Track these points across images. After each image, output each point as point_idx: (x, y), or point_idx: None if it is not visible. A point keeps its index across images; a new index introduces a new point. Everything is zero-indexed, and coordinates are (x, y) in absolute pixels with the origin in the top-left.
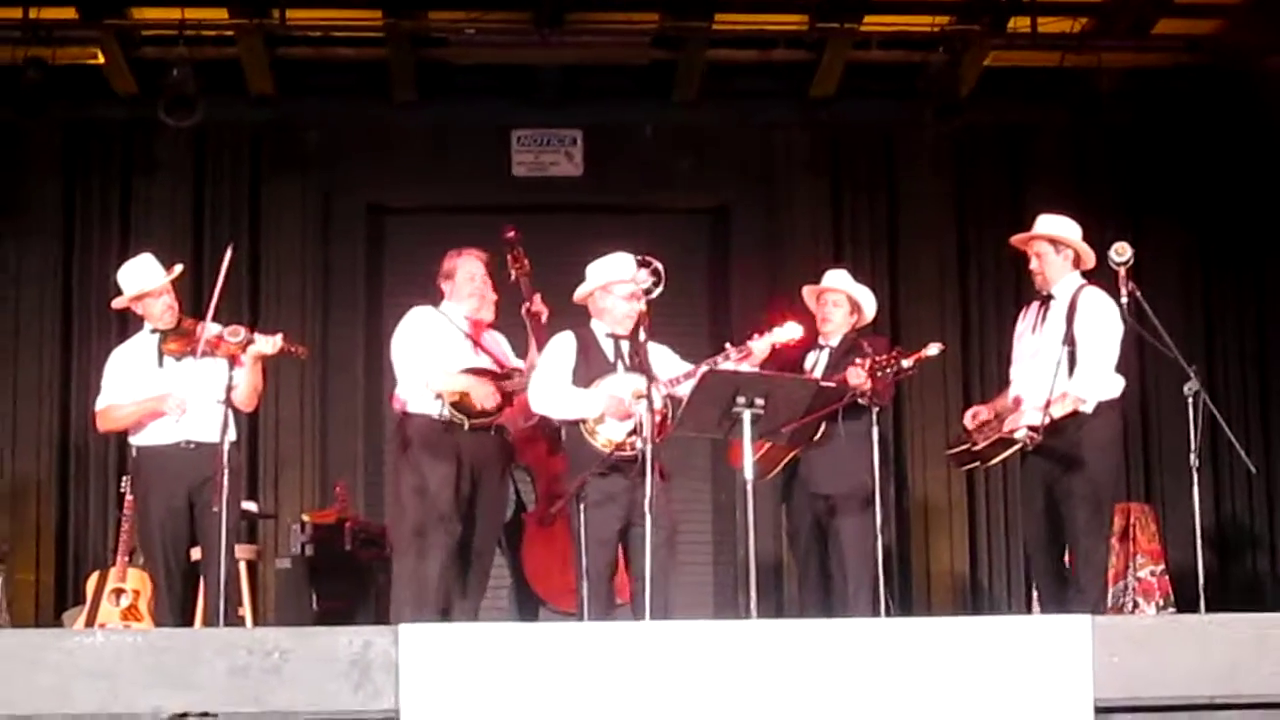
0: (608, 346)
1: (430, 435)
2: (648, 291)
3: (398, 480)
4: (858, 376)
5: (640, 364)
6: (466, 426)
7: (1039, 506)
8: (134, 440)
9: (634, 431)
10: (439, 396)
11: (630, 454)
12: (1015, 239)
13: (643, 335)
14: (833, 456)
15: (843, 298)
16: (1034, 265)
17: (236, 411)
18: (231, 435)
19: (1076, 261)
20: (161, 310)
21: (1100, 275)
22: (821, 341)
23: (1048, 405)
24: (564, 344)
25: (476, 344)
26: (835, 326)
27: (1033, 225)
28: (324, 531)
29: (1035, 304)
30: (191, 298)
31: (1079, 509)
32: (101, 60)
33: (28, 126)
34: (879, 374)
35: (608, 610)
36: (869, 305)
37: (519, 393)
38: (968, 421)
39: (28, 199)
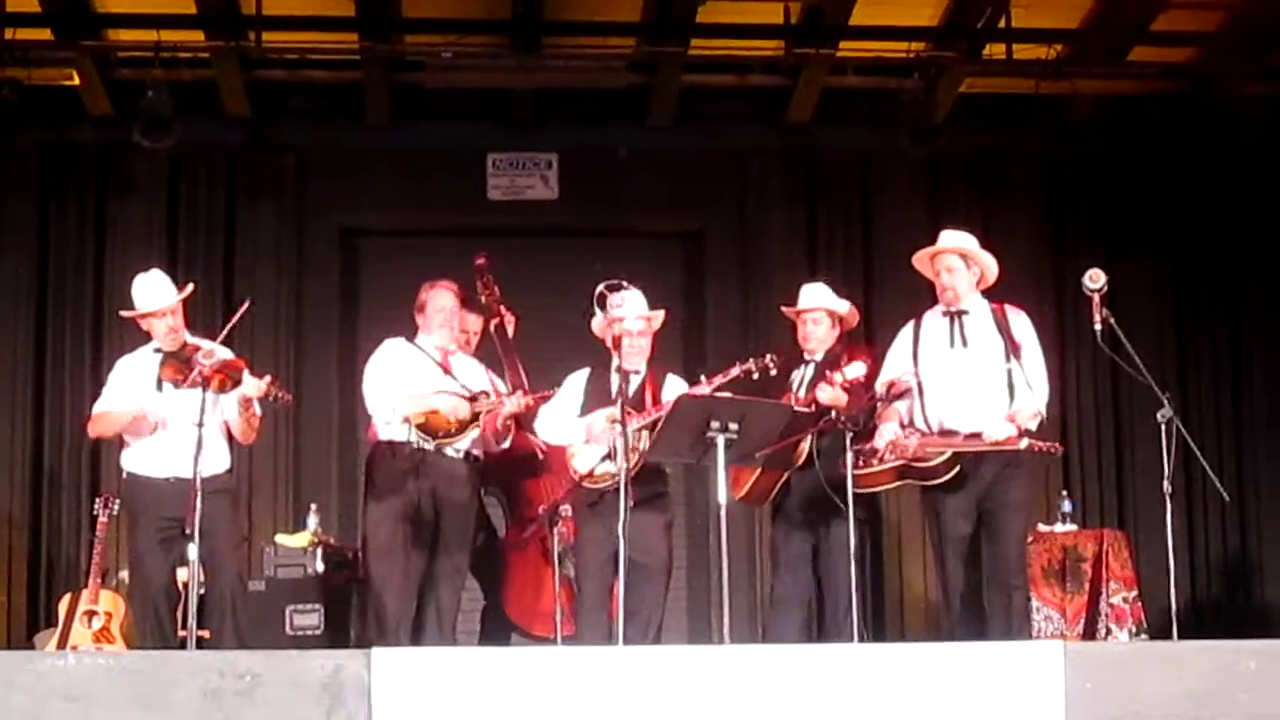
0: (614, 380)
1: (395, 463)
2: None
3: (365, 507)
4: (825, 393)
5: (635, 395)
6: (433, 447)
7: (963, 531)
8: (126, 465)
9: (607, 457)
10: (406, 421)
11: (602, 483)
12: (918, 255)
13: (643, 369)
14: (816, 479)
15: (822, 314)
16: (945, 280)
17: (233, 442)
18: (225, 463)
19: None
20: (164, 331)
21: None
22: (807, 357)
23: (1012, 419)
24: (575, 378)
25: (447, 371)
26: (819, 342)
27: (938, 242)
28: (295, 555)
29: (935, 319)
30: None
31: (1016, 524)
32: (77, 81)
33: (2, 147)
34: (850, 390)
35: (605, 640)
36: (848, 314)
37: (490, 413)
38: (885, 448)
39: (2, 220)
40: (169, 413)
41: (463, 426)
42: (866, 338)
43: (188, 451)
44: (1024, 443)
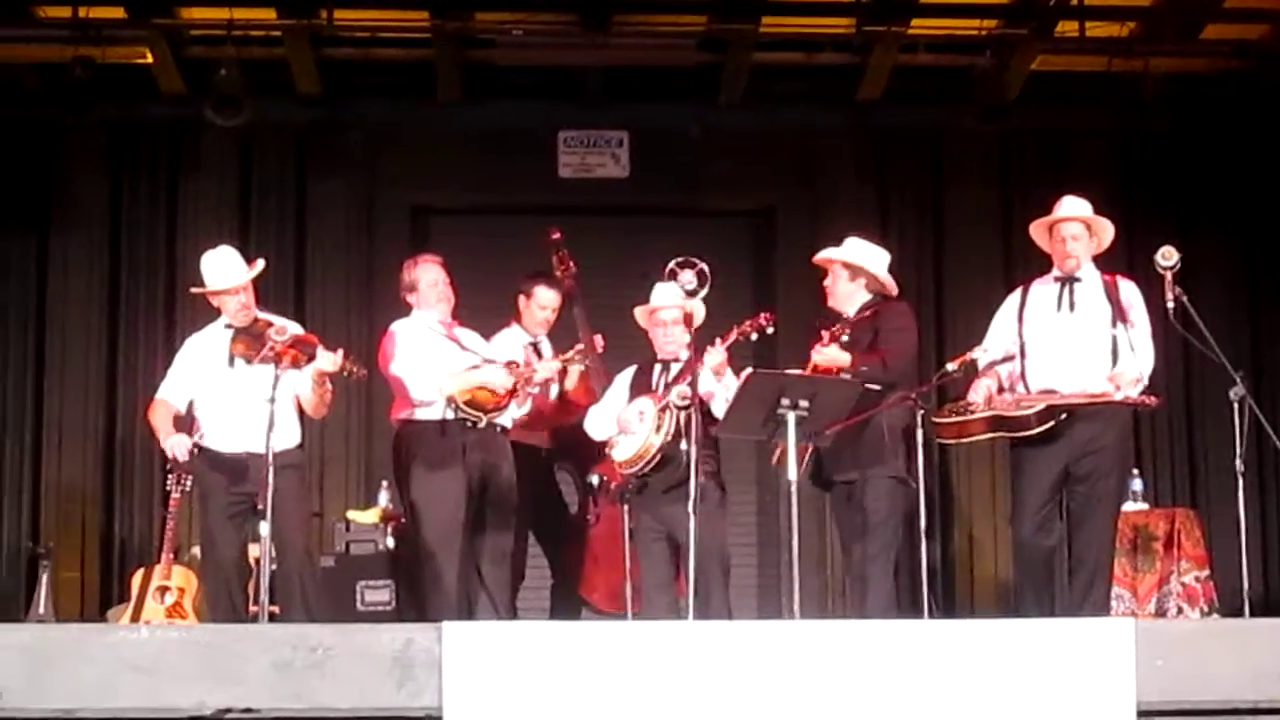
0: (656, 371)
1: (434, 443)
2: (693, 293)
3: (406, 492)
4: (822, 355)
5: (672, 384)
6: (483, 423)
7: (1045, 485)
8: (198, 441)
9: (644, 452)
10: (450, 401)
11: (636, 467)
12: (1039, 223)
13: (683, 357)
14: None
15: (836, 266)
16: (1071, 248)
17: (304, 417)
18: (296, 438)
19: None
20: (236, 309)
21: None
22: (664, 358)
23: (1112, 380)
24: (623, 376)
25: (459, 345)
26: (678, 344)
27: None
28: (367, 531)
29: (1045, 285)
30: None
31: (1106, 503)
32: (149, 60)
33: (75, 125)
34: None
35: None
36: (868, 263)
37: (526, 380)
38: (979, 395)
39: (74, 198)
40: (239, 388)
41: (508, 398)
42: (936, 315)
43: (259, 427)
44: (1121, 394)
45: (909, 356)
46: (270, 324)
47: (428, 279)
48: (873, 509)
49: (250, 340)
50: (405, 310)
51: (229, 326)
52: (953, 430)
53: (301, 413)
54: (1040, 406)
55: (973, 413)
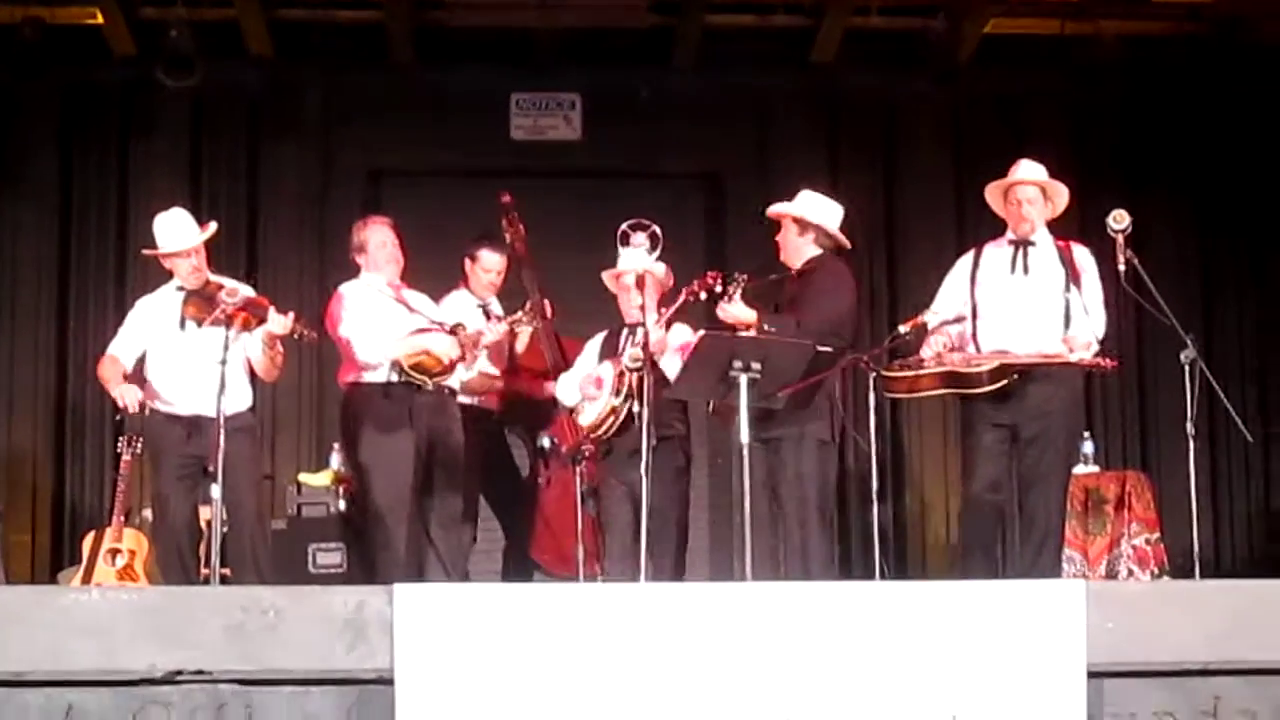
0: (623, 336)
1: (381, 406)
2: (647, 254)
3: (354, 455)
4: (727, 312)
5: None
6: (430, 386)
7: (992, 444)
8: (148, 403)
9: (606, 416)
10: (395, 364)
11: (601, 430)
12: (994, 186)
13: (648, 321)
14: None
15: (787, 220)
16: (1026, 211)
17: (255, 380)
18: (247, 401)
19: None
20: (188, 271)
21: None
22: (630, 322)
23: (1066, 343)
24: (593, 341)
25: (408, 307)
26: (641, 308)
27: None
28: (318, 494)
29: (998, 248)
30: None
31: (1055, 464)
32: (100, 21)
33: (25, 88)
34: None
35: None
36: (818, 217)
37: (473, 343)
38: (930, 358)
39: (25, 161)
40: (190, 350)
41: (454, 364)
42: (889, 278)
43: (210, 390)
44: (1076, 356)
45: (833, 318)
46: (221, 286)
47: (376, 240)
48: (798, 470)
49: (202, 302)
50: (355, 271)
51: (180, 289)
52: (903, 385)
53: (253, 375)
54: (994, 364)
55: (924, 368)
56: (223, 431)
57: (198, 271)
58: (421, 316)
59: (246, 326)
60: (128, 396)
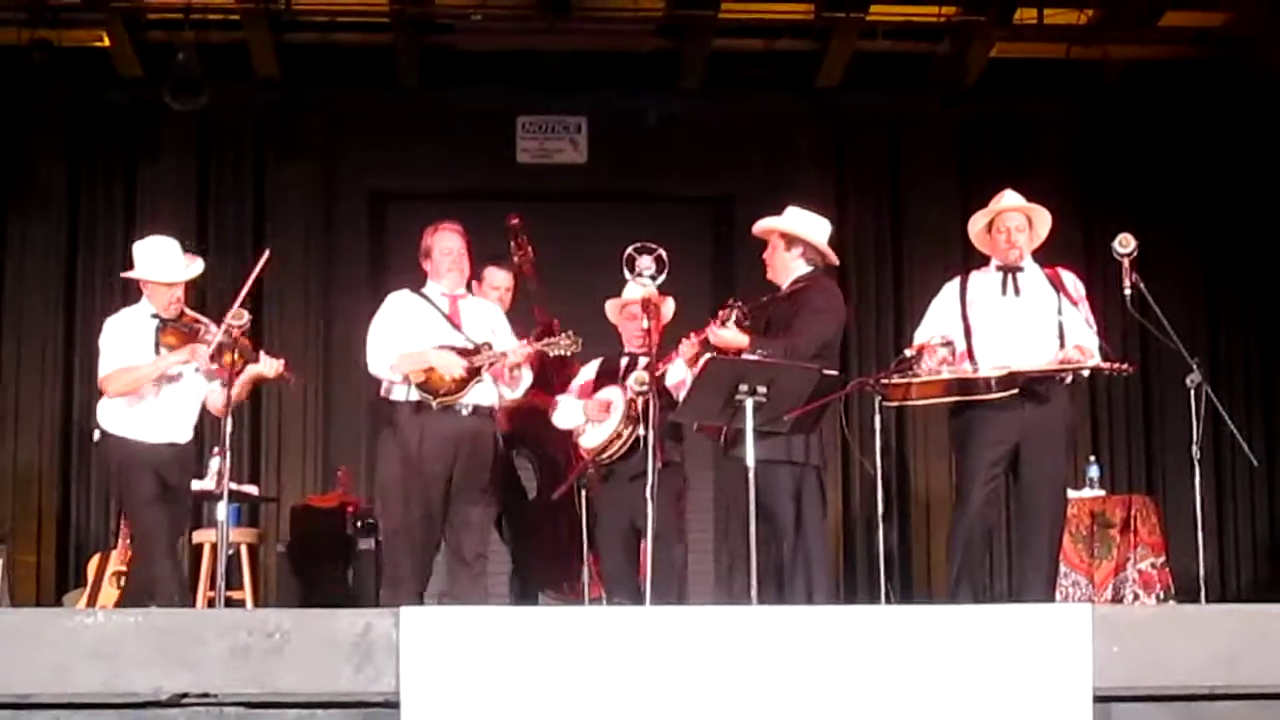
0: (624, 364)
1: (402, 422)
2: (650, 279)
3: (374, 473)
4: (718, 335)
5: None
6: (435, 405)
7: (990, 460)
8: (111, 429)
9: (612, 440)
10: (406, 379)
11: (607, 453)
12: (979, 215)
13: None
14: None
15: (774, 236)
16: (1014, 238)
17: (205, 413)
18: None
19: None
20: (168, 301)
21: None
22: (633, 351)
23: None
24: (588, 368)
25: (454, 322)
26: (643, 338)
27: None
28: (324, 515)
29: (985, 274)
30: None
31: (1051, 477)
32: (107, 43)
33: (33, 109)
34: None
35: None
36: (806, 232)
37: (494, 365)
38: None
39: (32, 182)
40: (161, 380)
41: (462, 384)
42: (895, 301)
43: (178, 417)
44: (1092, 361)
45: (823, 339)
46: (198, 320)
47: (442, 246)
48: (774, 495)
49: (182, 334)
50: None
51: (155, 317)
52: (909, 392)
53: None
54: (1003, 371)
55: (928, 375)
56: (224, 457)
57: (177, 303)
58: (459, 334)
59: (233, 366)
60: (199, 351)
